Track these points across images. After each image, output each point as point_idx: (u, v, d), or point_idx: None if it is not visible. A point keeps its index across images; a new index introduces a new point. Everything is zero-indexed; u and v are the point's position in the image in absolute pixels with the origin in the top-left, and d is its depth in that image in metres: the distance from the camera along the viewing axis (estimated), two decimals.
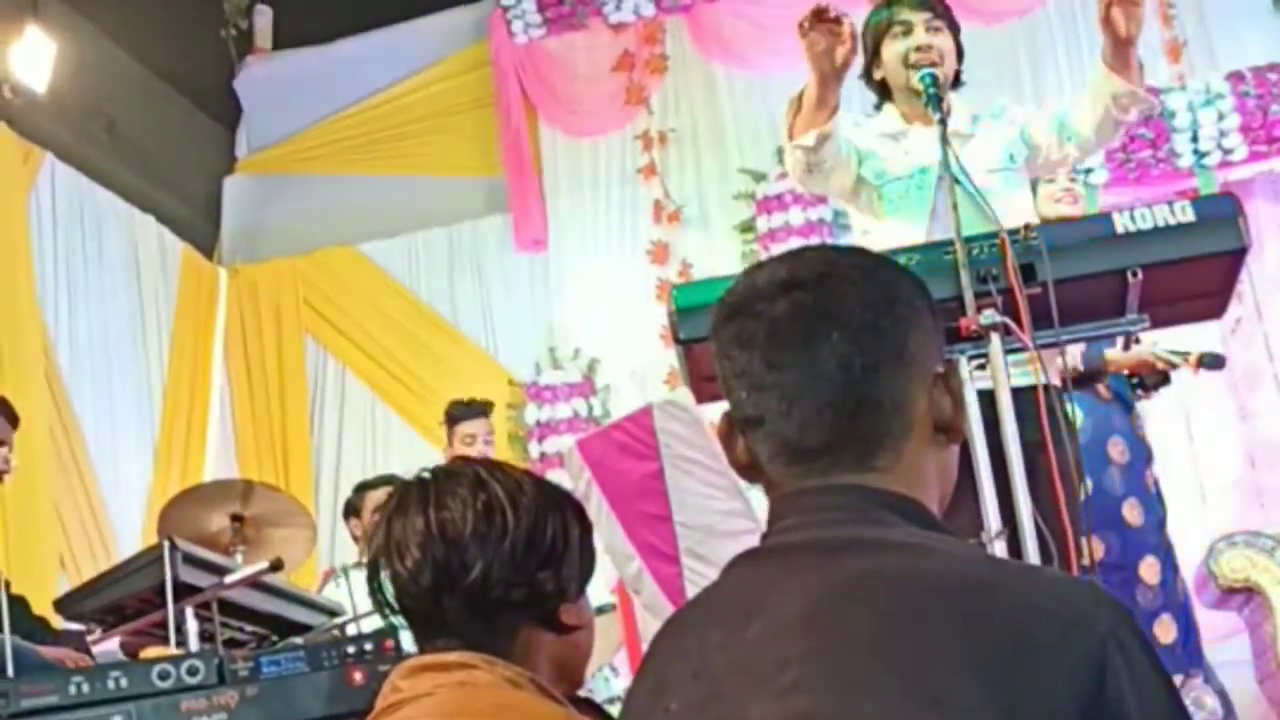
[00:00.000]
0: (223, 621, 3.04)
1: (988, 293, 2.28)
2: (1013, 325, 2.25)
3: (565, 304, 7.18)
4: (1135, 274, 2.26)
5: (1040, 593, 1.05)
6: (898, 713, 0.99)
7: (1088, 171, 6.07)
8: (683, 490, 4.07)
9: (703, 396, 2.55)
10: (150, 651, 3.23)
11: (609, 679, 4.91)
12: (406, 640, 1.75)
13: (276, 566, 3.09)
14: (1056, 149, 3.06)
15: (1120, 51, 2.83)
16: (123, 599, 3.05)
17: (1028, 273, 2.28)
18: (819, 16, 2.72)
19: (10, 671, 2.58)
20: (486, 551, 1.51)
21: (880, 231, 2.98)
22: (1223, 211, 2.30)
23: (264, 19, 8.03)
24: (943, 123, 2.73)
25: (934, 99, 2.86)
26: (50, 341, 6.14)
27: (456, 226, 7.46)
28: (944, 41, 3.03)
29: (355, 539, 5.02)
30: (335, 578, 4.82)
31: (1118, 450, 4.03)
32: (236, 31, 7.87)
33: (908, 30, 3.03)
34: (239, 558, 3.97)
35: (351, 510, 5.04)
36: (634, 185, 7.21)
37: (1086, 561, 2.44)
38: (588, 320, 7.06)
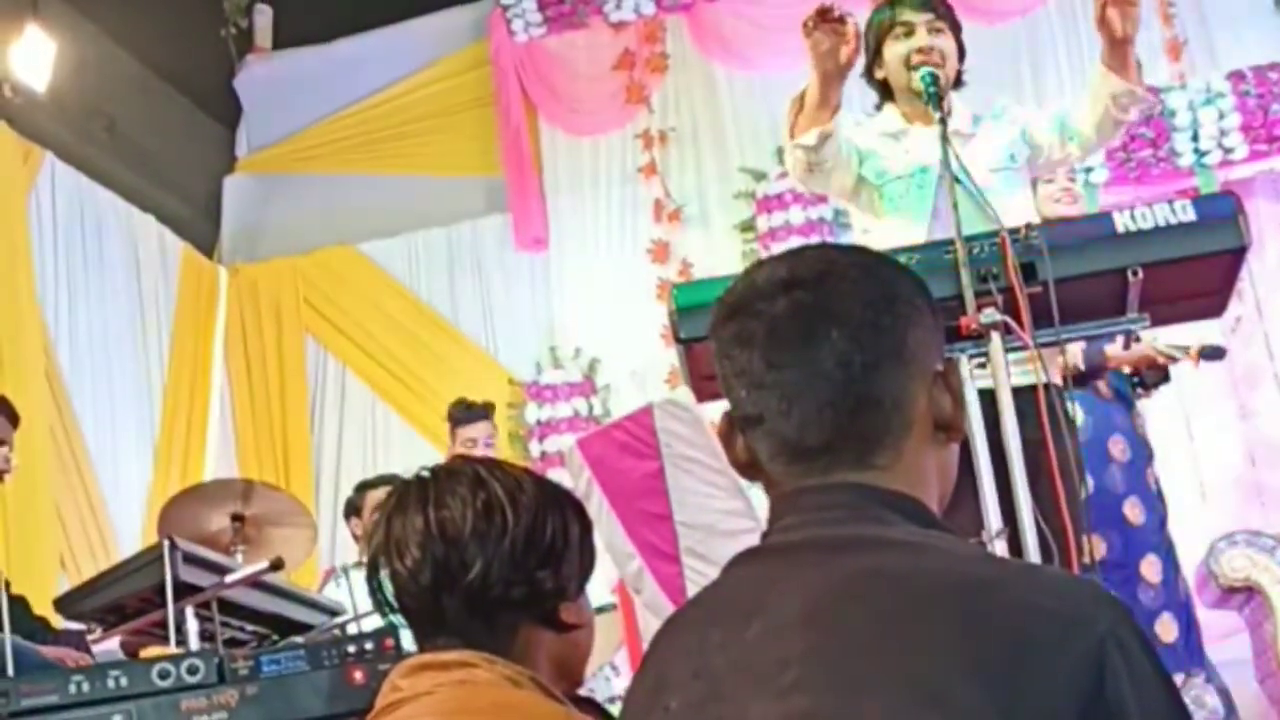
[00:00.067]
0: (223, 621, 3.04)
1: (988, 291, 2.28)
2: (1013, 324, 2.25)
3: (565, 303, 7.18)
4: (1136, 273, 2.26)
5: (1040, 591, 1.05)
6: (898, 712, 0.99)
7: (1088, 170, 6.08)
8: (683, 489, 4.07)
9: (703, 395, 2.55)
10: (150, 651, 3.23)
11: (609, 678, 4.91)
12: (406, 639, 1.75)
13: (277, 566, 3.09)
14: (1058, 148, 3.07)
15: (1118, 51, 2.83)
16: (123, 598, 3.05)
17: (1028, 271, 2.28)
18: (823, 16, 2.73)
19: (10, 671, 2.58)
20: (486, 550, 1.51)
21: (881, 230, 2.99)
22: (1223, 210, 2.30)
23: (264, 18, 8.04)
24: (943, 122, 2.74)
25: (934, 98, 2.86)
26: (50, 341, 6.14)
27: (457, 226, 7.46)
28: (946, 43, 3.04)
29: (356, 538, 5.02)
30: (336, 577, 4.82)
31: (1119, 449, 4.03)
32: (237, 31, 7.87)
33: (910, 31, 3.04)
34: (239, 557, 3.97)
35: (352, 509, 5.04)
36: (634, 184, 7.21)
37: (1088, 560, 2.43)
38: (588, 319, 7.06)
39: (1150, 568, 3.98)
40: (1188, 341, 4.20)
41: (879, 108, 3.19)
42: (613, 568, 4.21)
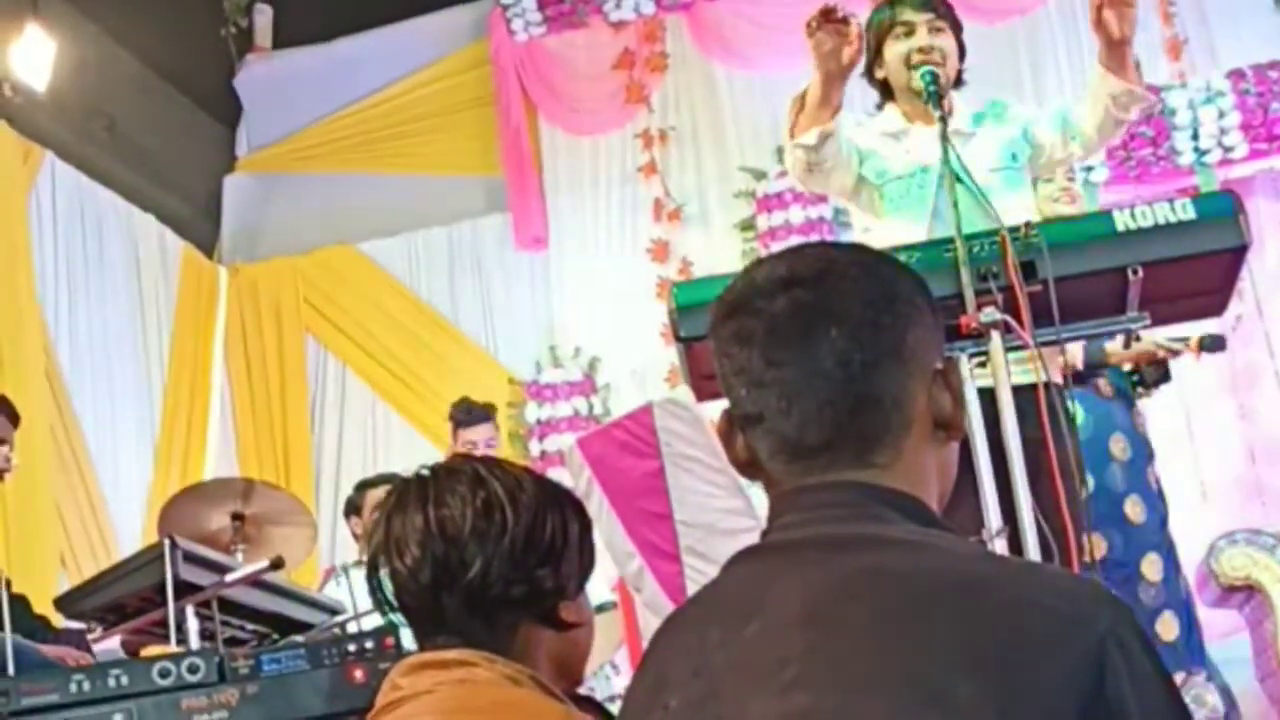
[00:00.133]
0: (223, 620, 3.03)
1: (988, 290, 2.28)
2: (1013, 323, 2.25)
3: (565, 302, 7.18)
4: (1136, 271, 2.26)
5: (1041, 590, 1.05)
6: (897, 710, 0.99)
7: (1088, 169, 6.08)
8: (683, 488, 4.07)
9: (703, 394, 2.55)
10: (151, 650, 3.23)
11: (610, 677, 4.91)
12: (407, 638, 1.75)
13: (277, 565, 3.09)
14: (1060, 147, 3.07)
15: (1115, 52, 2.84)
16: (123, 597, 3.05)
17: (1028, 270, 2.28)
18: (827, 17, 2.73)
19: (11, 670, 2.58)
20: (486, 549, 1.51)
21: (881, 230, 2.99)
22: (1223, 209, 2.30)
23: (264, 18, 8.03)
24: (943, 121, 2.74)
25: (934, 97, 2.86)
26: (50, 340, 6.15)
27: (457, 225, 7.46)
28: (946, 42, 3.04)
29: (356, 537, 5.02)
30: (336, 576, 4.82)
31: (1119, 447, 4.02)
32: (237, 30, 7.86)
33: (910, 31, 3.04)
34: (239, 556, 3.97)
35: (352, 508, 5.04)
36: (634, 184, 7.21)
37: (1088, 559, 2.43)
38: (588, 318, 7.06)
39: (1151, 566, 3.98)
40: (1187, 334, 4.20)
41: (880, 107, 3.19)
42: (613, 566, 4.21)
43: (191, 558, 2.98)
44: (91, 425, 6.26)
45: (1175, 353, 4.18)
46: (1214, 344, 4.28)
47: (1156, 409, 4.53)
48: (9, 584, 3.19)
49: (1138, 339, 4.04)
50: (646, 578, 4.08)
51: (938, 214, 2.88)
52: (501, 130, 7.39)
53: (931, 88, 2.89)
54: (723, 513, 4.04)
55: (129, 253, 6.88)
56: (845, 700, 1.01)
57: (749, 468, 1.21)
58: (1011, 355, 2.28)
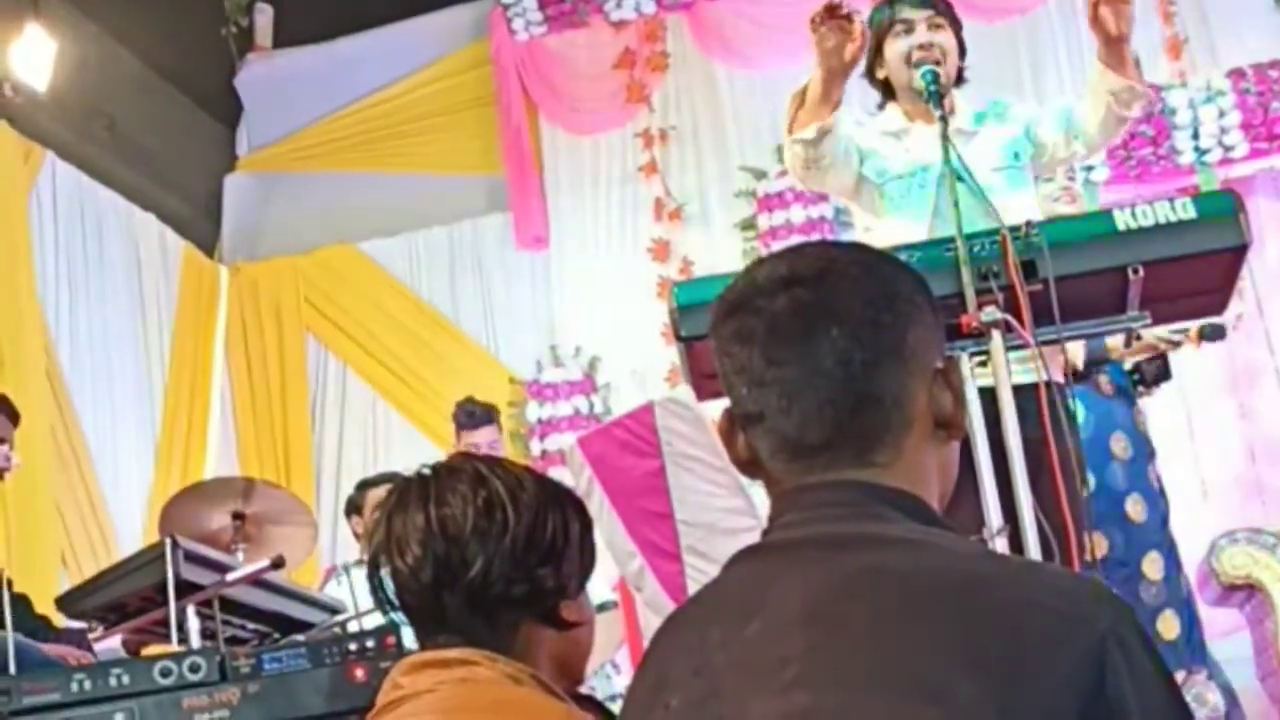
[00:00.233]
0: (224, 619, 3.04)
1: (989, 289, 2.28)
2: (1014, 322, 2.25)
3: (566, 302, 7.18)
4: (1136, 271, 2.26)
5: (1041, 589, 1.05)
6: (898, 709, 0.99)
7: (1089, 169, 6.08)
8: (684, 488, 4.07)
9: (704, 394, 2.55)
10: (152, 649, 3.23)
11: (611, 676, 4.91)
12: (408, 637, 1.76)
13: (278, 564, 3.09)
14: (1063, 146, 3.07)
15: (1114, 49, 2.84)
16: (124, 597, 3.05)
17: (1029, 269, 2.28)
18: (830, 13, 2.73)
19: (12, 669, 2.59)
20: (487, 548, 1.51)
21: (882, 229, 2.99)
22: (1224, 208, 2.30)
23: (264, 17, 8.03)
24: (944, 120, 2.74)
25: (935, 96, 2.86)
26: (51, 340, 6.14)
27: (457, 225, 7.46)
28: (946, 39, 3.04)
29: (357, 536, 5.02)
30: (337, 575, 4.82)
31: (1120, 446, 4.02)
32: (237, 30, 7.86)
33: (909, 28, 3.04)
34: (240, 555, 3.97)
35: (353, 508, 5.03)
36: (635, 183, 7.21)
37: (1089, 558, 2.43)
38: (589, 318, 7.06)
39: (1152, 565, 3.98)
40: (1187, 324, 4.20)
41: (881, 107, 3.19)
42: (614, 566, 4.21)
43: (192, 557, 2.98)
44: (91, 425, 6.26)
45: (1176, 344, 4.18)
46: (1214, 333, 4.28)
47: (1157, 407, 4.54)
48: (10, 583, 3.20)
49: (1138, 338, 4.05)
50: (647, 577, 4.08)
51: (938, 213, 2.88)
52: (502, 130, 7.39)
53: (932, 87, 2.89)
54: (724, 512, 4.04)
55: (129, 252, 6.88)
56: (846, 699, 1.01)
57: (750, 466, 1.21)
58: (1012, 354, 2.28)
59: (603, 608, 4.13)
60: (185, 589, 2.92)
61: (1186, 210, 2.29)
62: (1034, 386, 2.30)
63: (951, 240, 2.33)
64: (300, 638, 3.30)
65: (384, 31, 7.70)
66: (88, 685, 2.25)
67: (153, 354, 6.88)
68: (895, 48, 3.06)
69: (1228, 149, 6.26)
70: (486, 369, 7.15)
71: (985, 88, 3.32)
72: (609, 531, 4.07)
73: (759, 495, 3.37)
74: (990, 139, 3.05)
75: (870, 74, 3.17)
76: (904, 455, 1.17)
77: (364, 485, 5.01)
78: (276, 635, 3.38)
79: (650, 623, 4.14)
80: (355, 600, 3.64)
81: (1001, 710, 0.97)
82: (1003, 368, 2.25)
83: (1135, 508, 3.98)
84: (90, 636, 3.46)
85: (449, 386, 6.55)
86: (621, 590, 4.58)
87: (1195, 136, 6.28)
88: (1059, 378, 2.67)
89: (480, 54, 7.55)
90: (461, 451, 4.70)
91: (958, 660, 0.99)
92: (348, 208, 7.56)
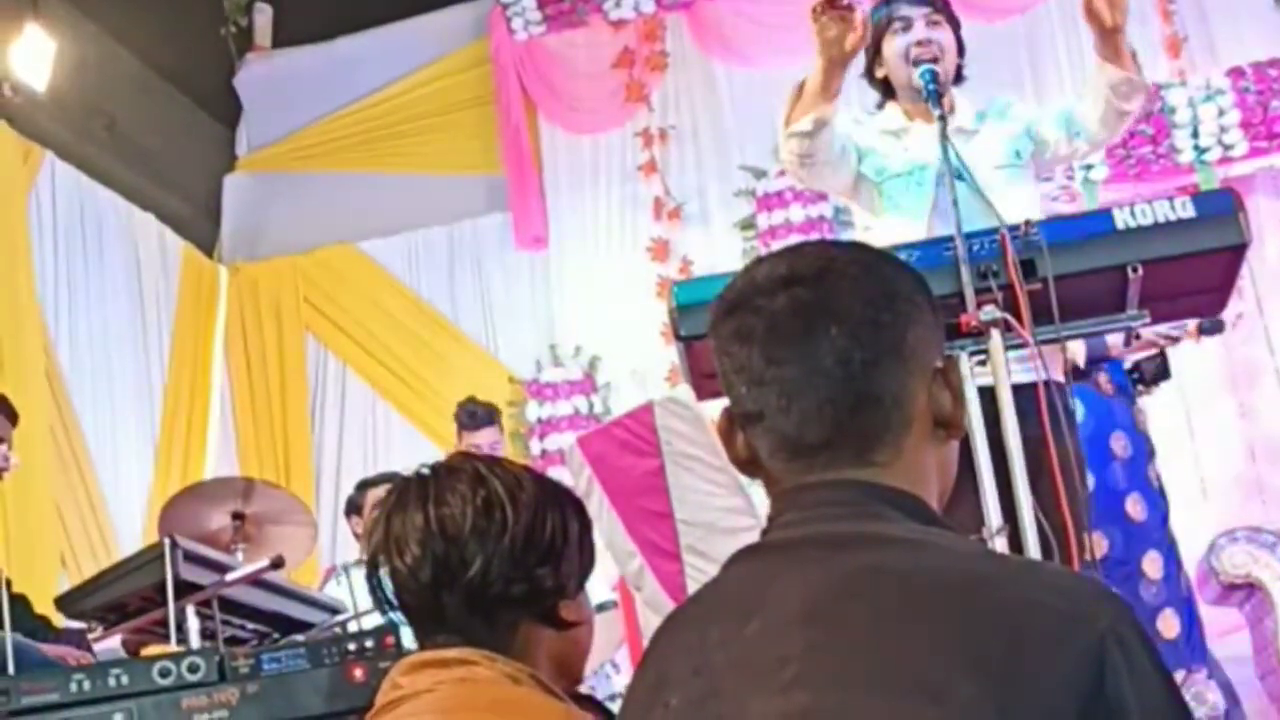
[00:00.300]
0: (224, 619, 3.03)
1: (988, 288, 2.28)
2: (1013, 321, 2.24)
3: (566, 301, 7.18)
4: (1136, 270, 2.25)
5: (1041, 588, 1.05)
6: (898, 709, 0.99)
7: (1088, 168, 6.08)
8: (684, 487, 4.07)
9: (703, 393, 2.55)
10: (151, 649, 3.23)
11: (610, 675, 4.91)
12: (407, 637, 1.75)
13: (277, 564, 3.09)
14: (1065, 144, 3.06)
15: (1109, 41, 2.83)
16: (124, 597, 3.04)
17: (1028, 268, 2.28)
18: (831, 2, 2.73)
19: (11, 669, 2.58)
20: (486, 547, 1.51)
21: (881, 228, 2.99)
22: (1223, 207, 2.30)
23: (264, 17, 8.03)
24: (942, 119, 2.73)
25: (934, 95, 2.86)
26: (50, 340, 6.14)
27: (457, 224, 7.46)
28: (944, 36, 3.04)
29: (356, 536, 5.02)
30: (336, 575, 4.81)
31: (1120, 445, 4.02)
32: (236, 29, 7.86)
33: (907, 26, 3.04)
34: (240, 555, 3.97)
35: (353, 508, 5.04)
36: (634, 182, 7.21)
37: (1089, 557, 2.43)
38: (588, 317, 7.06)
39: (1152, 564, 3.97)
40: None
41: (881, 106, 3.19)
42: (613, 565, 4.21)
43: (192, 557, 2.98)
44: (91, 425, 6.26)
45: (1175, 339, 4.18)
46: (1213, 327, 4.27)
47: (1157, 406, 4.53)
48: (9, 583, 3.20)
49: (1137, 337, 4.04)
50: (647, 576, 4.08)
51: (937, 211, 2.87)
52: (501, 129, 7.39)
53: (931, 86, 2.88)
54: (723, 511, 4.04)
55: (129, 252, 6.88)
56: (845, 699, 1.01)
57: (749, 466, 1.21)
58: (1012, 353, 2.28)
59: (602, 607, 4.14)
60: (185, 589, 2.91)
61: (1186, 209, 2.29)
62: (1033, 386, 2.30)
63: (951, 239, 2.33)
64: (300, 638, 3.30)
65: (383, 31, 7.70)
66: (86, 685, 2.25)
67: (152, 354, 6.88)
68: (893, 45, 3.06)
69: (1227, 148, 6.26)
70: (486, 368, 7.15)
71: (985, 87, 3.31)
72: (608, 531, 4.07)
73: (758, 495, 3.37)
74: (992, 137, 3.05)
75: (869, 73, 3.17)
76: (903, 454, 1.16)
77: (364, 485, 5.01)
78: (276, 635, 3.37)
79: (650, 622, 4.14)
80: (355, 600, 3.64)
81: (1001, 710, 0.97)
82: (1002, 367, 2.25)
83: (1135, 507, 3.98)
84: (90, 637, 3.46)
85: (449, 386, 6.55)
86: (621, 590, 4.58)
87: (1195, 135, 6.28)
88: (1059, 377, 2.66)
89: (479, 53, 7.56)
90: (461, 451, 4.70)
91: (958, 660, 0.99)
92: (347, 207, 7.56)
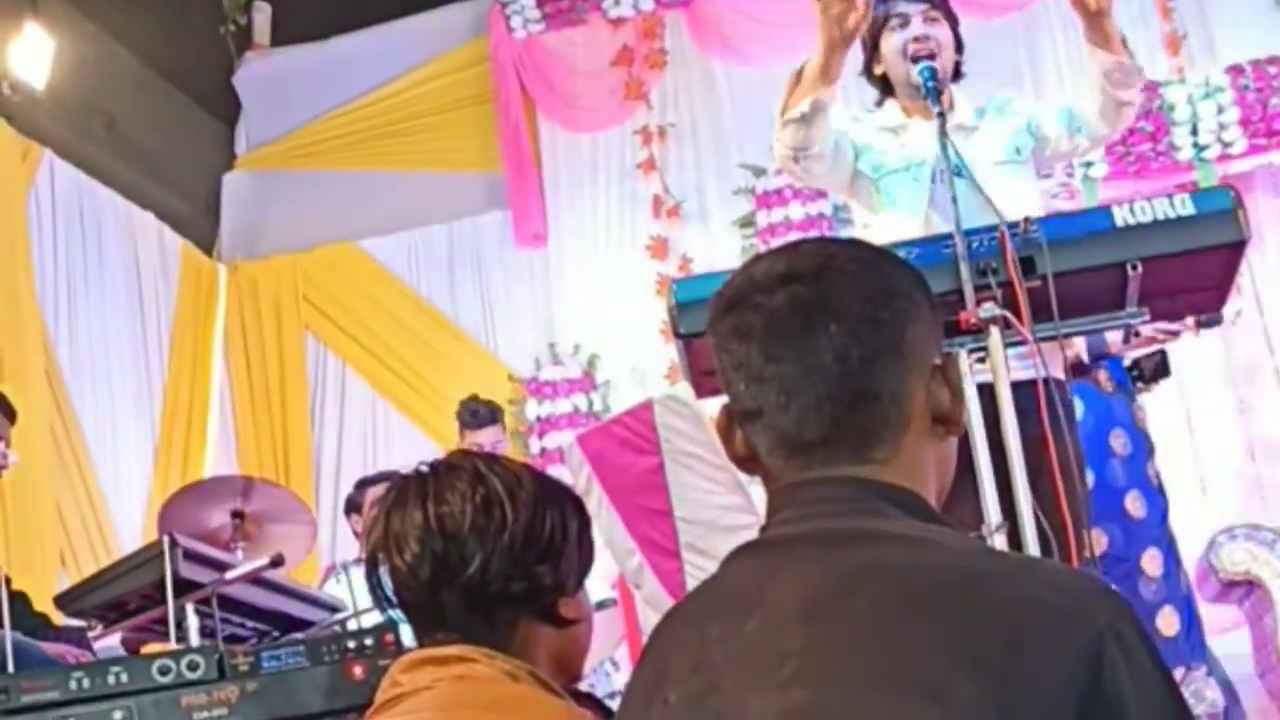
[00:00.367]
0: (223, 617, 3.03)
1: (987, 286, 2.27)
2: (1012, 318, 2.24)
3: (565, 299, 7.18)
4: (1135, 267, 2.25)
5: (1040, 585, 1.05)
6: (896, 705, 0.99)
7: (1087, 165, 6.08)
8: (683, 485, 4.07)
9: (703, 391, 2.54)
10: (151, 647, 3.23)
11: (610, 673, 4.91)
12: (406, 634, 1.75)
13: (277, 562, 3.09)
14: (1067, 140, 3.06)
15: (1096, 25, 2.83)
16: (123, 595, 3.05)
17: (1027, 266, 2.28)
18: None
19: (11, 667, 2.58)
20: (485, 545, 1.51)
21: (879, 225, 2.98)
22: (1222, 205, 2.30)
23: (263, 15, 8.03)
24: (941, 116, 2.73)
25: (932, 92, 2.86)
26: (50, 339, 6.14)
27: (456, 222, 7.46)
28: (941, 32, 3.04)
29: (356, 535, 5.02)
30: (336, 573, 4.82)
31: (1119, 442, 4.02)
32: (235, 28, 7.86)
33: (905, 22, 3.04)
34: (239, 554, 3.97)
35: (352, 506, 5.04)
36: (633, 180, 7.21)
37: (1088, 554, 2.43)
38: (588, 315, 7.06)
39: (1152, 561, 3.98)
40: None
41: (879, 104, 3.18)
42: (613, 563, 4.22)
43: (191, 555, 2.98)
44: (91, 424, 6.26)
45: (1175, 334, 4.17)
46: (1212, 320, 4.27)
47: (1156, 404, 4.53)
48: (9, 581, 3.20)
49: (1137, 334, 4.04)
50: (646, 574, 4.09)
51: (934, 206, 2.87)
52: (501, 127, 7.39)
53: (930, 83, 2.88)
54: (722, 509, 4.04)
55: (128, 251, 6.88)
56: (845, 696, 1.01)
57: (748, 463, 1.21)
58: (1012, 350, 2.28)
59: (602, 605, 4.14)
60: (184, 587, 2.92)
61: (1185, 206, 2.29)
62: (1033, 383, 2.30)
63: (950, 236, 2.33)
64: (299, 636, 3.30)
65: (382, 29, 7.70)
66: (86, 683, 2.25)
67: (152, 352, 6.88)
68: (891, 42, 3.05)
69: (1226, 145, 6.26)
70: (486, 367, 7.14)
71: (984, 83, 3.31)
72: (608, 529, 4.08)
73: (758, 492, 3.37)
74: (992, 133, 3.04)
75: (868, 70, 3.16)
76: (902, 451, 1.17)
77: (363, 484, 5.02)
78: (276, 633, 3.38)
79: (649, 620, 4.15)
80: (354, 598, 3.64)
81: (1001, 708, 0.97)
82: (1001, 364, 2.25)
83: (1134, 504, 3.98)
84: (89, 635, 3.46)
85: (448, 384, 6.55)
86: (620, 588, 4.58)
87: (1194, 132, 6.28)
88: (1058, 374, 2.66)
89: (478, 52, 7.55)
90: (460, 449, 4.70)
91: (957, 658, 0.99)
92: (347, 206, 7.56)
